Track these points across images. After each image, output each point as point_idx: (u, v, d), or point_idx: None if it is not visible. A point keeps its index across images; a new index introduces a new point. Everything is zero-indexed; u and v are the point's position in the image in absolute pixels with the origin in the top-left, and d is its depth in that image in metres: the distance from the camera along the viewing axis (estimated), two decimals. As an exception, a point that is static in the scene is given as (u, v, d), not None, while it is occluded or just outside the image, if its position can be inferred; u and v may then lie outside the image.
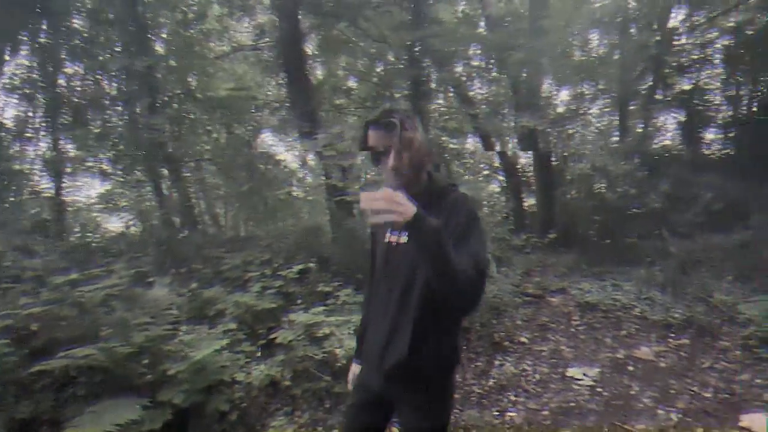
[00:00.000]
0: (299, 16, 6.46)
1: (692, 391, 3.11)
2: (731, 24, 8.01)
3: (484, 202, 6.71)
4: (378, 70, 8.62)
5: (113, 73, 7.32)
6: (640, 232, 6.08)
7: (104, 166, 7.63)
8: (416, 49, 7.10)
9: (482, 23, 8.74)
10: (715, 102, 8.33)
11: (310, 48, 8.30)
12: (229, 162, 7.55)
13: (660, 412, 2.93)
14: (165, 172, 7.32)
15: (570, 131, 8.07)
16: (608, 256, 5.81)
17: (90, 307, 3.05)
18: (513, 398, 3.27)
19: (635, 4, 8.40)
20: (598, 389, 3.28)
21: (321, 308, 3.21)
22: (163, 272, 4.38)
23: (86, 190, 8.37)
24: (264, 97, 8.17)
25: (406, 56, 7.44)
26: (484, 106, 9.01)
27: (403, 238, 1.29)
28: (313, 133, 5.16)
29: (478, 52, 8.54)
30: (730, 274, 4.64)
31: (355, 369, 1.58)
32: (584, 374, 3.51)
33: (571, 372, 3.56)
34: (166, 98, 7.25)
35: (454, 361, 1.33)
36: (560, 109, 8.93)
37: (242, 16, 7.96)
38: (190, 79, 8.01)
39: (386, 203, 0.99)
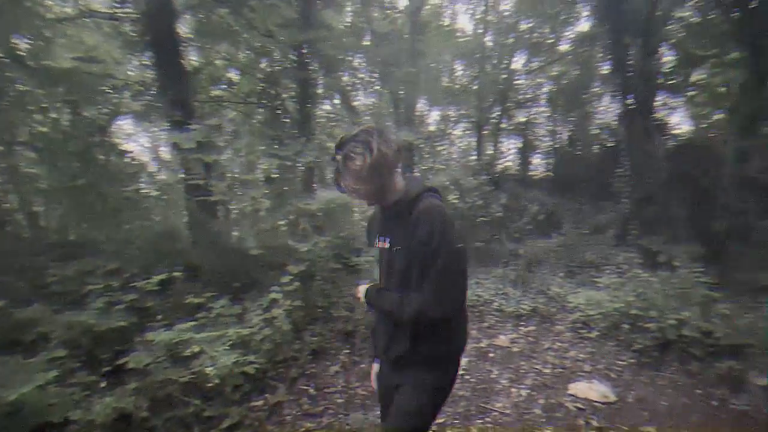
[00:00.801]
0: None
1: (536, 369, 3.74)
2: (554, 73, 10.24)
3: (357, 214, 6.94)
4: (262, 65, 8.11)
5: None
6: (484, 237, 7.14)
7: None
8: (305, 50, 6.96)
9: (370, 37, 9.11)
10: (541, 133, 10.47)
11: (184, 29, 7.34)
12: (58, 149, 5.95)
13: (513, 390, 3.43)
14: None
15: (439, 148, 9.02)
16: (472, 259, 6.59)
17: None
18: (395, 397, 3.37)
19: (491, 44, 9.97)
20: (467, 377, 3.65)
21: (189, 324, 2.74)
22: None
23: None
24: (125, 77, 6.72)
25: (294, 56, 7.21)
26: (368, 117, 9.37)
27: (385, 244, 1.49)
28: (185, 123, 4.48)
29: (363, 64, 8.85)
30: (561, 271, 5.79)
31: (375, 367, 1.75)
32: (456, 365, 3.86)
33: (445, 364, 3.88)
34: None
35: (456, 346, 1.56)
36: (432, 128, 9.91)
37: None
38: (16, 41, 6.07)
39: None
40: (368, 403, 3.28)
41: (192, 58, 8.31)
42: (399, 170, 1.43)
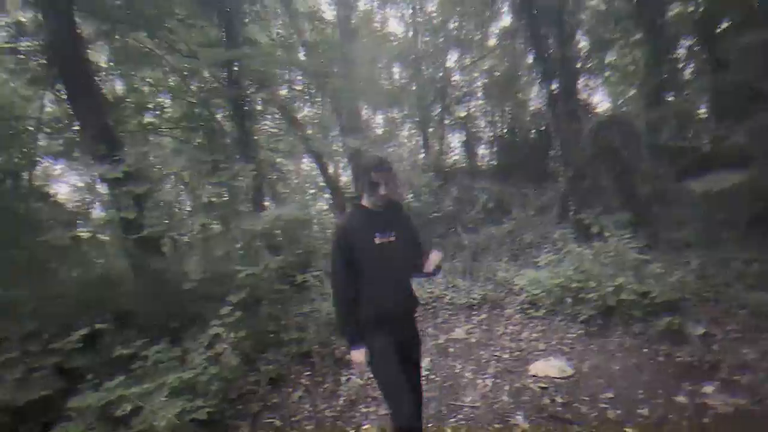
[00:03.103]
0: (75, 18, 5.26)
1: (496, 356, 3.82)
2: (486, 67, 10.65)
3: (314, 220, 6.82)
4: (192, 87, 7.82)
5: None
6: (440, 232, 7.26)
7: None
8: (235, 68, 6.79)
9: (302, 48, 9.07)
10: (482, 125, 10.84)
11: (100, 58, 7.11)
12: None
13: (479, 381, 3.48)
14: None
15: (388, 150, 9.11)
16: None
17: None
18: (364, 410, 3.32)
19: (423, 45, 10.23)
20: (432, 377, 3.66)
21: (117, 380, 2.53)
22: None
23: None
24: (38, 114, 6.22)
25: (225, 75, 7.03)
26: (312, 129, 9.32)
27: (392, 237, 2.09)
28: (111, 156, 4.19)
29: (300, 77, 8.81)
30: (505, 256, 5.97)
31: (358, 355, 2.07)
32: (418, 367, 3.86)
33: (407, 368, 3.87)
34: None
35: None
36: (379, 131, 10.01)
37: None
38: None
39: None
40: (339, 424, 3.20)
41: (118, 87, 7.92)
42: None
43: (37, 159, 6.72)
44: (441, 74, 10.87)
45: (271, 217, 4.84)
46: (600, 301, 3.91)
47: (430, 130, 10.76)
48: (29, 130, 6.31)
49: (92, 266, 4.12)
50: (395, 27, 13.34)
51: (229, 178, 5.02)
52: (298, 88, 9.38)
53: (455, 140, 11.48)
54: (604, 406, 2.91)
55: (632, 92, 9.54)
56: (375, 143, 9.39)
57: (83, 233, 6.24)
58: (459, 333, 4.37)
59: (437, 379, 3.63)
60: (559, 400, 3.05)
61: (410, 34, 11.59)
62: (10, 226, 4.48)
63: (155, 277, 3.75)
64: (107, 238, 6.13)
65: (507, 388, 3.34)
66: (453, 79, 11.16)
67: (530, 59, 10.15)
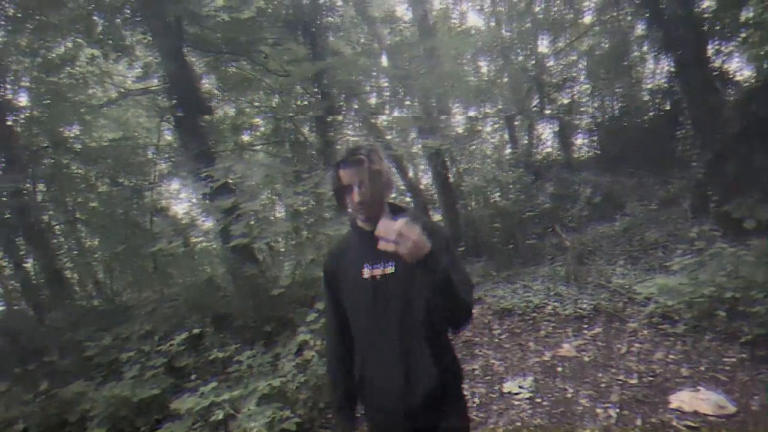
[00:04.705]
0: (185, 57, 6.04)
1: (619, 380, 3.14)
2: (585, 47, 9.53)
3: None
4: (289, 105, 8.47)
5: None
6: (537, 231, 6.50)
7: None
8: (325, 80, 7.10)
9: (383, 53, 9.18)
10: (588, 111, 9.67)
11: (210, 87, 7.98)
12: (104, 219, 6.47)
13: (599, 410, 2.88)
14: (29, 242, 5.96)
15: (471, 148, 8.65)
16: (514, 260, 6.06)
17: None
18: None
19: (508, 33, 9.58)
20: (537, 400, 3.15)
21: (212, 384, 2.58)
22: (2, 376, 3.29)
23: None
24: (157, 142, 7.37)
25: (316, 89, 7.41)
26: (392, 133, 9.34)
27: (389, 269, 1.28)
28: (207, 173, 4.59)
29: (385, 84, 8.94)
30: (620, 259, 5.06)
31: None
32: (520, 387, 3.38)
33: (508, 387, 3.41)
34: (36, 153, 6.09)
35: (460, 370, 1.41)
36: (460, 129, 9.64)
37: (120, 57, 7.07)
38: (65, 130, 6.91)
39: (405, 236, 1.03)
40: None
41: (227, 111, 8.89)
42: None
43: (156, 180, 7.89)
44: (533, 62, 10.02)
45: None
46: (769, 316, 2.98)
47: (517, 123, 9.94)
48: (151, 156, 7.45)
49: (198, 272, 4.46)
50: (475, 20, 12.79)
51: (311, 186, 5.15)
52: (386, 94, 9.47)
53: (547, 131, 10.48)
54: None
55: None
56: (457, 141, 8.98)
57: (194, 242, 7.03)
58: (568, 349, 3.75)
59: (545, 403, 3.11)
60: (718, 445, 2.34)
61: (492, 24, 10.97)
62: (135, 238, 5.20)
63: (249, 282, 3.91)
64: (213, 246, 6.82)
65: (639, 422, 2.68)
66: (548, 65, 10.23)
67: (640, 29, 8.78)
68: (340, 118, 8.75)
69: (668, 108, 7.60)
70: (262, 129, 9.03)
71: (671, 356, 3.28)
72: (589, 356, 3.57)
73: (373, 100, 9.43)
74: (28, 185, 5.78)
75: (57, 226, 6.75)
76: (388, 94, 9.41)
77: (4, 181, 5.35)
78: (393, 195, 1.50)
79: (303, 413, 2.87)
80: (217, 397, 2.38)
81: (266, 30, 7.03)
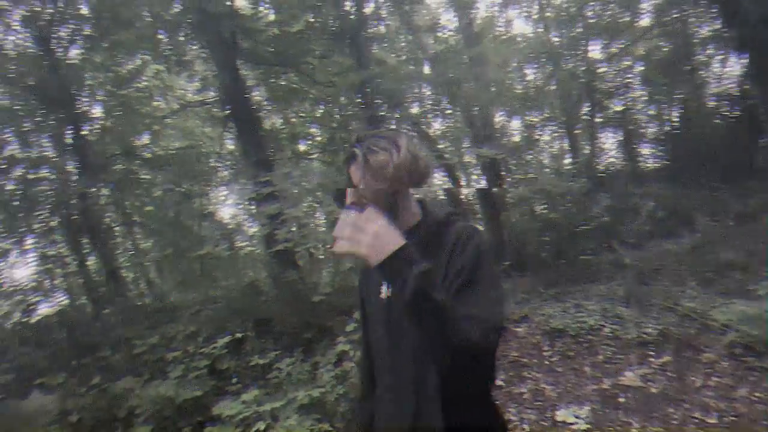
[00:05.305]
0: (239, 69, 6.36)
1: (695, 418, 2.76)
2: (642, 51, 8.98)
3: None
4: (336, 116, 8.65)
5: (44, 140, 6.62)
6: (591, 247, 6.03)
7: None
8: (367, 89, 7.19)
9: (427, 61, 9.21)
10: (644, 120, 9.09)
11: (260, 98, 8.27)
12: (158, 222, 6.88)
13: (670, 452, 2.54)
14: (92, 242, 6.46)
15: (527, 158, 8.37)
16: (564, 276, 5.65)
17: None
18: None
19: (557, 39, 9.25)
20: (594, 433, 2.85)
21: (255, 392, 2.54)
22: (60, 368, 3.48)
23: (11, 271, 7.05)
24: (217, 150, 7.84)
25: (359, 98, 7.51)
26: (443, 142, 9.28)
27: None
28: (262, 180, 4.72)
29: (428, 92, 8.92)
30: (691, 280, 4.56)
31: None
32: (575, 416, 3.07)
33: (561, 415, 3.11)
34: (108, 160, 6.69)
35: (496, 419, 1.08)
36: (515, 138, 9.39)
37: (181, 71, 7.64)
38: (135, 139, 7.56)
39: (361, 230, 0.80)
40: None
41: (274, 121, 9.24)
42: (413, 193, 1.12)
43: (211, 186, 8.34)
44: (584, 68, 9.57)
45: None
46: None
47: (577, 131, 9.50)
48: (213, 163, 7.93)
49: (241, 276, 4.54)
50: (521, 27, 12.49)
51: None
52: (428, 103, 9.44)
53: (609, 140, 9.90)
54: None
55: None
56: (512, 151, 8.74)
57: (239, 247, 7.27)
58: (631, 378, 3.38)
59: (606, 438, 2.80)
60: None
61: (540, 30, 10.63)
62: (184, 241, 5.44)
63: (290, 288, 3.90)
64: (257, 251, 7.02)
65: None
66: (600, 71, 9.71)
67: (706, 30, 8.12)
68: (392, 128, 8.82)
69: (739, 114, 6.88)
70: (318, 138, 9.26)
71: (757, 394, 2.85)
72: (657, 388, 3.19)
73: (415, 110, 9.39)
74: (93, 189, 6.25)
75: (116, 228, 7.27)
76: (431, 102, 9.34)
77: (78, 186, 5.85)
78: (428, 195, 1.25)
79: (341, 427, 2.77)
80: (259, 406, 2.33)
81: (314, 42, 7.25)
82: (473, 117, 8.51)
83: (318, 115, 9.05)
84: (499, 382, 3.59)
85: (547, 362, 3.85)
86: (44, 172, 6.61)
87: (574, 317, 4.29)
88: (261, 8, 7.10)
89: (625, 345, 3.79)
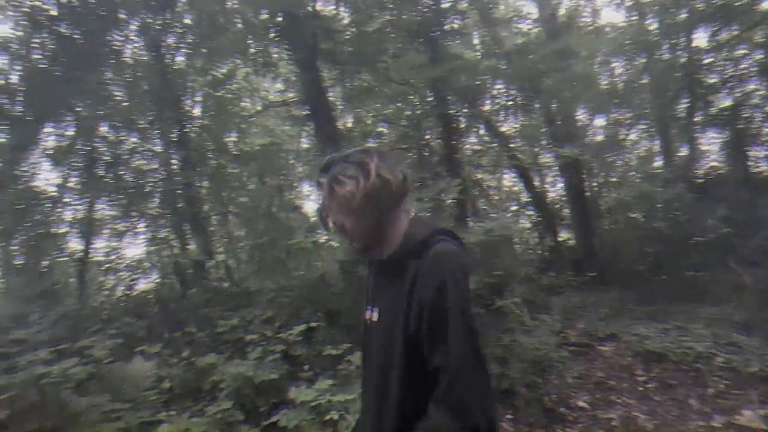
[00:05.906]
0: (318, 70, 6.65)
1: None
2: (760, 39, 7.69)
3: (515, 239, 6.10)
4: (407, 113, 8.68)
5: (153, 137, 7.60)
6: (698, 263, 5.25)
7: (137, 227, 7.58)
8: (440, 86, 7.12)
9: (505, 57, 8.86)
10: (758, 118, 7.78)
11: (335, 97, 8.54)
12: (251, 213, 7.48)
13: None
14: (193, 228, 7.25)
15: (611, 159, 7.64)
16: (662, 293, 5.00)
17: (55, 396, 2.53)
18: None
19: (656, 26, 8.30)
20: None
21: (328, 382, 2.57)
22: (156, 338, 3.87)
23: (123, 250, 8.23)
24: (297, 148, 8.34)
25: (431, 96, 7.45)
26: (518, 141, 8.87)
27: (374, 316, 1.07)
28: None
29: (503, 90, 8.57)
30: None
31: None
32: (677, 453, 2.68)
33: (659, 450, 2.73)
34: (204, 155, 7.52)
35: None
36: (599, 138, 8.65)
37: (266, 72, 8.26)
38: (226, 137, 8.29)
39: None
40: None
41: (347, 120, 9.56)
42: (403, 208, 1.06)
43: (296, 180, 8.89)
44: (685, 59, 8.42)
45: (480, 231, 4.52)
46: None
47: (674, 131, 8.43)
48: (291, 160, 8.46)
49: (315, 267, 4.69)
50: (610, 16, 11.43)
51: (434, 193, 5.09)
52: (505, 100, 9.04)
53: (711, 141, 8.62)
54: None
55: None
56: (596, 151, 8.04)
57: (321, 240, 7.61)
58: (750, 418, 2.86)
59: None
60: None
61: (634, 18, 9.60)
62: (273, 231, 5.84)
63: (358, 283, 3.93)
64: (335, 245, 7.28)
65: None
66: (706, 62, 8.47)
67: None
68: (464, 125, 8.60)
69: None
70: (388, 137, 9.39)
71: None
72: (785, 433, 2.66)
73: (487, 107, 9.02)
74: (196, 181, 6.97)
75: (214, 217, 8.04)
76: (507, 99, 8.91)
77: (180, 177, 6.56)
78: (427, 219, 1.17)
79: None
80: (333, 396, 2.36)
81: (390, 40, 7.28)
82: (553, 114, 7.93)
83: (387, 112, 9.15)
84: (582, 404, 3.26)
85: (641, 388, 3.42)
86: (154, 165, 7.55)
87: (677, 341, 3.77)
88: (341, 9, 7.31)
89: (744, 379, 3.23)
